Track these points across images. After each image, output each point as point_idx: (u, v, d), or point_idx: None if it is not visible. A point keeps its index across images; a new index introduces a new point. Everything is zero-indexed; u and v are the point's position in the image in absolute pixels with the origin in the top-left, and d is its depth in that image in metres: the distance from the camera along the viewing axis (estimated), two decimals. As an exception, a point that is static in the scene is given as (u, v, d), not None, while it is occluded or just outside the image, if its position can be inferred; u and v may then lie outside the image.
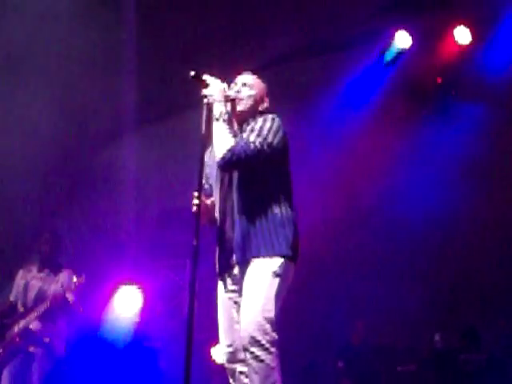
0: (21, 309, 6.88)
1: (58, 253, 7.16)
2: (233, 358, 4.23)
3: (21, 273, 7.07)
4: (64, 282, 6.85)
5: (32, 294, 6.89)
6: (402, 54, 8.57)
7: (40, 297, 6.82)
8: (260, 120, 4.24)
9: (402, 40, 8.53)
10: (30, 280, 6.97)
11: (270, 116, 4.27)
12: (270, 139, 4.14)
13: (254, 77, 4.54)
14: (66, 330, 6.97)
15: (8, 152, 8.28)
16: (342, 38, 8.49)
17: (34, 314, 6.68)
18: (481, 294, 8.73)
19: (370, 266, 9.44)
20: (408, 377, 8.44)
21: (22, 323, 6.70)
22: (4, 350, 6.70)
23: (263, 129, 4.17)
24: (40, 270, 7.02)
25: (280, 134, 4.20)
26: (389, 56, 8.61)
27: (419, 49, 8.58)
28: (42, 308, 6.66)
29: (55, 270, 7.01)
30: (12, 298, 7.02)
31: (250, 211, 4.17)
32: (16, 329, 6.70)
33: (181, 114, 8.62)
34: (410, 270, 9.13)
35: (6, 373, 6.72)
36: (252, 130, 4.18)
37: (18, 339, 6.68)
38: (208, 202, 4.37)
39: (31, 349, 6.71)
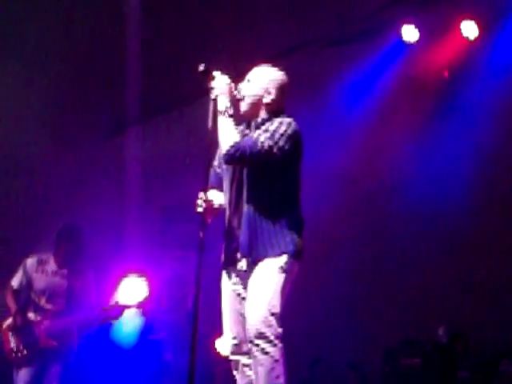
0: (46, 305, 6.59)
1: (81, 251, 6.84)
2: (237, 349, 4.25)
3: (35, 264, 6.71)
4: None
5: (59, 293, 6.61)
6: (409, 47, 8.59)
7: (69, 298, 6.60)
8: (276, 122, 4.22)
9: (409, 34, 8.53)
10: (53, 276, 6.68)
11: (287, 120, 4.25)
12: (281, 143, 4.12)
13: (263, 68, 4.47)
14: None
15: (9, 143, 8.30)
16: (348, 32, 8.49)
17: (73, 319, 6.52)
18: (492, 290, 8.69)
19: (376, 258, 9.45)
20: (412, 371, 8.43)
21: (52, 323, 6.49)
22: (29, 350, 6.46)
23: (277, 132, 4.15)
24: (60, 267, 6.71)
25: (293, 139, 4.18)
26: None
27: (426, 43, 8.58)
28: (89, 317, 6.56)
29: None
30: (16, 287, 6.66)
31: (258, 210, 4.19)
32: (44, 327, 6.48)
33: (187, 105, 8.63)
34: (416, 262, 9.13)
35: (23, 374, 6.48)
36: (266, 131, 4.17)
37: (48, 340, 6.49)
38: (215, 204, 4.35)
39: (55, 348, 6.50)
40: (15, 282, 6.71)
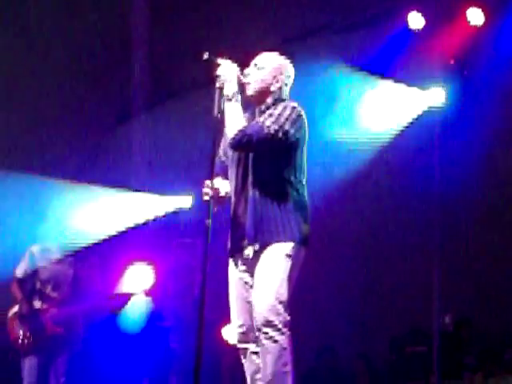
0: (51, 294, 6.62)
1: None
2: (245, 337, 4.26)
3: (39, 252, 6.73)
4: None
5: (64, 281, 6.65)
6: (414, 34, 8.55)
7: (75, 286, 6.64)
8: (280, 107, 4.22)
9: (415, 21, 8.49)
10: (57, 264, 6.70)
11: (291, 104, 4.25)
12: (286, 127, 4.12)
13: (271, 55, 4.45)
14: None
15: (16, 131, 8.30)
16: (353, 20, 8.47)
17: (79, 306, 6.58)
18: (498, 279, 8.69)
19: (382, 246, 9.46)
20: (418, 358, 8.45)
21: (58, 311, 6.52)
22: (35, 337, 6.48)
23: (282, 116, 4.15)
24: (65, 255, 6.74)
25: (298, 123, 4.19)
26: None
27: (432, 30, 8.54)
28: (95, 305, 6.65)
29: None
30: (20, 276, 6.67)
31: (263, 196, 4.19)
32: (50, 315, 6.51)
33: (193, 93, 8.62)
34: (422, 250, 9.13)
35: (30, 362, 6.50)
36: (270, 115, 4.17)
37: (55, 328, 6.52)
38: (221, 192, 4.34)
39: (62, 336, 6.55)
40: (20, 270, 6.70)
